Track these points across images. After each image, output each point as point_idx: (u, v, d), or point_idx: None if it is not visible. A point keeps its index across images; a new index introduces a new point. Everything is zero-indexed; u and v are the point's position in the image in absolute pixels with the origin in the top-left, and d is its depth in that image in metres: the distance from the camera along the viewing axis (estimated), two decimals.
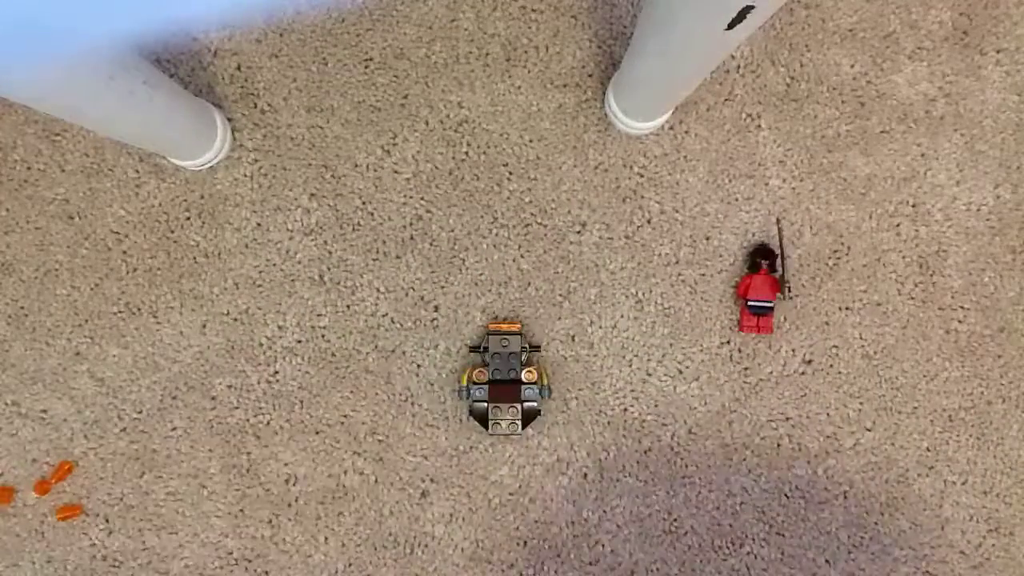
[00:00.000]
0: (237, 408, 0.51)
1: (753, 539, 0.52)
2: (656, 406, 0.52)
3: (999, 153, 0.54)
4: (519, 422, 0.49)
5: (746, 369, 0.52)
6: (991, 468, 0.53)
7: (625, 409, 0.52)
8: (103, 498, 0.51)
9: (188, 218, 0.52)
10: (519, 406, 0.49)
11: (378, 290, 0.52)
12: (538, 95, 0.53)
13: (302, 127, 0.52)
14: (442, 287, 0.52)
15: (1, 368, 0.51)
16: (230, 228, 0.52)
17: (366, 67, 0.53)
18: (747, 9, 0.30)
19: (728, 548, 0.52)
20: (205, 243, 0.52)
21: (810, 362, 0.53)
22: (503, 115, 0.53)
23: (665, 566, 0.51)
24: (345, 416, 0.51)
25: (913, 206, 0.53)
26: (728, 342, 0.52)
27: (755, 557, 0.52)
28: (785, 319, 0.52)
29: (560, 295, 0.52)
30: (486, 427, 0.50)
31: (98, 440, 0.51)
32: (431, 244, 0.52)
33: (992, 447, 0.53)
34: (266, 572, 0.51)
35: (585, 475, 0.52)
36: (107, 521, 0.51)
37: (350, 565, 0.51)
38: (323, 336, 0.52)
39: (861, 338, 0.53)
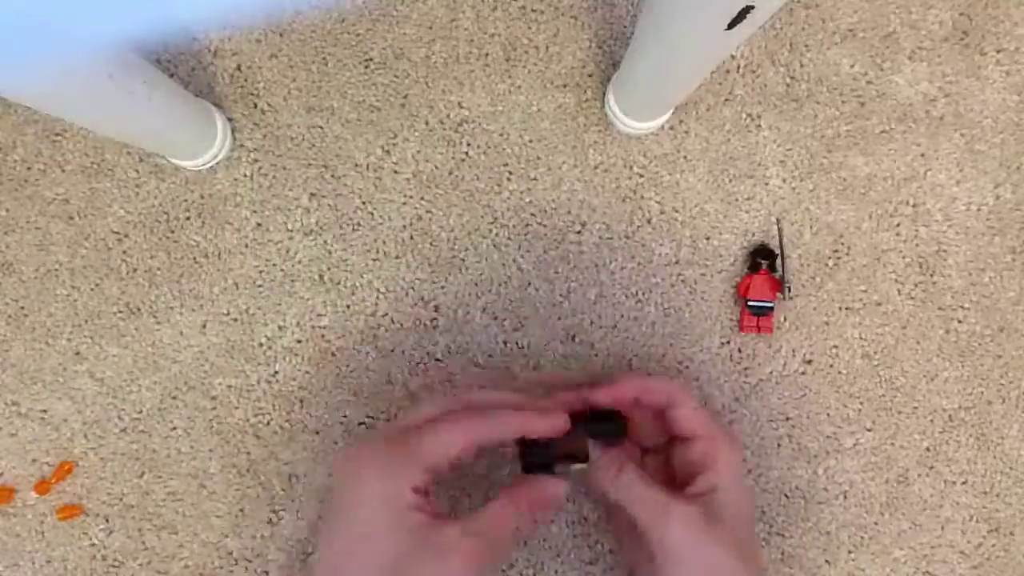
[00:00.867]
0: (237, 408, 0.51)
1: None
2: None
3: (999, 153, 0.54)
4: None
5: (746, 369, 0.52)
6: (991, 468, 0.53)
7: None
8: (103, 498, 0.51)
9: (188, 218, 0.52)
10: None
11: (378, 290, 0.52)
12: (538, 95, 0.53)
13: (302, 127, 0.52)
14: (442, 287, 0.52)
15: (1, 368, 0.51)
16: (230, 228, 0.52)
17: (366, 67, 0.53)
18: (747, 9, 0.30)
19: None
20: (205, 243, 0.52)
21: (810, 362, 0.53)
22: (503, 115, 0.53)
23: None
24: (345, 416, 0.51)
25: (913, 206, 0.53)
26: (728, 342, 0.52)
27: None
28: (785, 319, 0.52)
29: (560, 295, 0.52)
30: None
31: (98, 440, 0.51)
32: (431, 244, 0.52)
33: (992, 447, 0.53)
34: (266, 572, 0.51)
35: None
36: (107, 521, 0.51)
37: None
38: (323, 336, 0.52)
39: (861, 338, 0.53)
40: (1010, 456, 0.53)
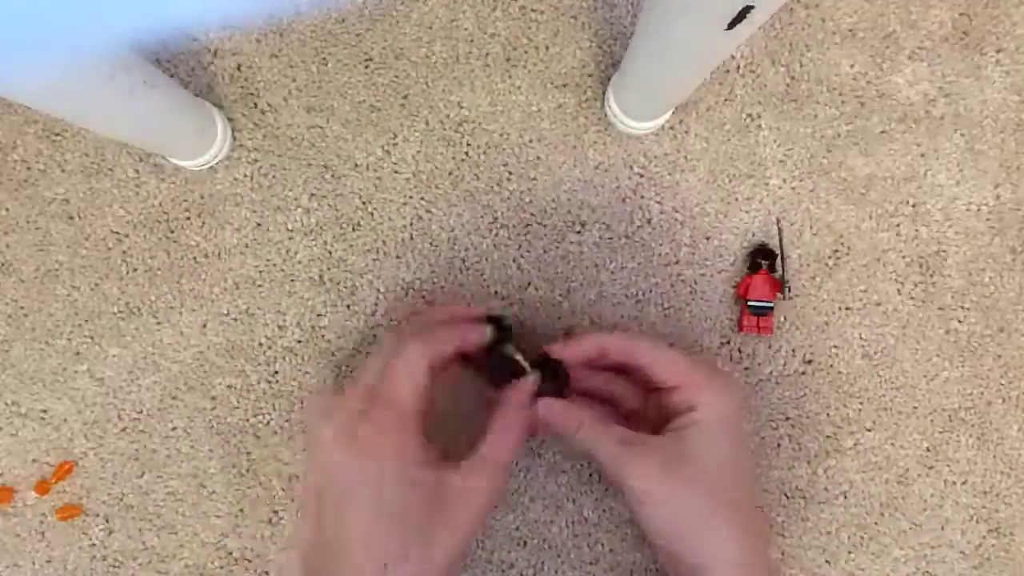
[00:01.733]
0: (237, 408, 0.51)
1: None
2: None
3: (999, 153, 0.54)
4: None
5: (746, 369, 0.52)
6: (991, 468, 0.53)
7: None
8: (103, 498, 0.51)
9: (188, 218, 0.52)
10: None
11: (378, 290, 0.52)
12: (538, 95, 0.53)
13: (302, 127, 0.52)
14: (442, 287, 0.52)
15: (1, 368, 0.51)
16: (230, 228, 0.52)
17: (366, 67, 0.53)
18: (747, 9, 0.30)
19: None
20: (205, 243, 0.52)
21: (810, 362, 0.53)
22: (503, 115, 0.53)
23: (666, 566, 0.51)
24: None
25: (913, 206, 0.53)
26: (728, 342, 0.52)
27: None
28: (785, 319, 0.52)
29: (560, 295, 0.52)
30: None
31: (98, 440, 0.51)
32: (431, 244, 0.52)
33: (992, 447, 0.53)
34: (266, 572, 0.51)
35: (587, 475, 0.52)
36: (107, 521, 0.51)
37: None
38: (323, 336, 0.52)
39: (861, 338, 0.53)
40: (1010, 456, 0.53)
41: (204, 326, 0.52)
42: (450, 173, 0.53)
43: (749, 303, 0.51)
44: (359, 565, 0.35)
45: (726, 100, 0.53)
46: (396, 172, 0.53)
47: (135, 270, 0.52)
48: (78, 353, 0.51)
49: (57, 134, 0.52)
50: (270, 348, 0.52)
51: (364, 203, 0.52)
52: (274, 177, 0.52)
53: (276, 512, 0.51)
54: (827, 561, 0.52)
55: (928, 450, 0.53)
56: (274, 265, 0.52)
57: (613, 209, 0.53)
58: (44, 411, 0.51)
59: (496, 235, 0.52)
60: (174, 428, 0.51)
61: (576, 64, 0.53)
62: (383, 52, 0.53)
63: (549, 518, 0.51)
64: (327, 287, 0.52)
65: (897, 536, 0.52)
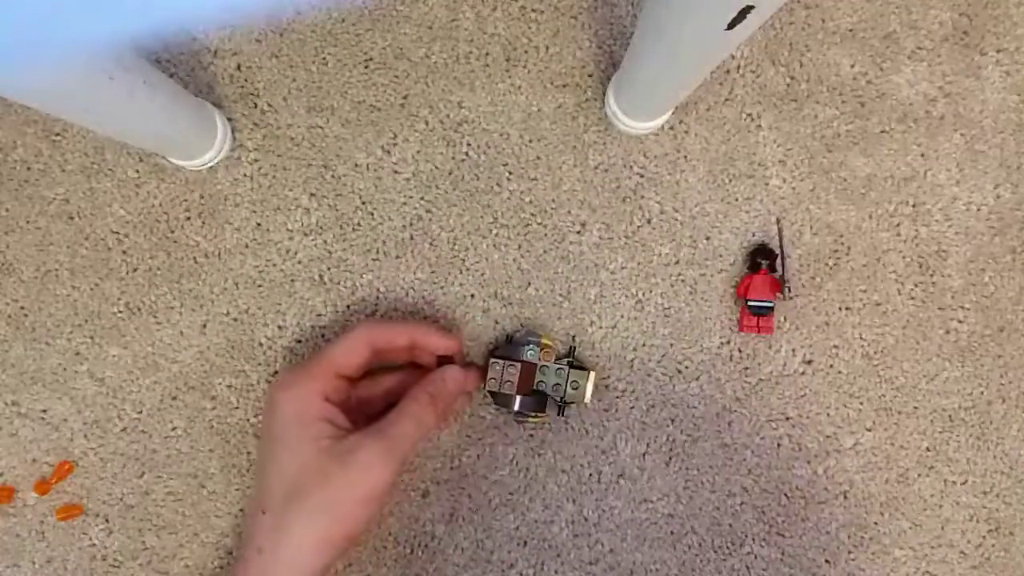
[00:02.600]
0: (237, 408, 0.51)
1: (753, 539, 0.52)
2: (655, 406, 0.52)
3: (999, 153, 0.54)
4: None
5: (746, 369, 0.52)
6: (991, 468, 0.53)
7: (629, 409, 0.52)
8: (103, 498, 0.51)
9: (188, 218, 0.52)
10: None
11: (378, 290, 0.52)
12: (538, 95, 0.53)
13: (302, 127, 0.52)
14: (442, 287, 0.52)
15: (1, 368, 0.51)
16: (230, 228, 0.52)
17: (366, 67, 0.53)
18: (747, 9, 0.30)
19: (728, 548, 0.52)
20: (205, 243, 0.52)
21: (810, 362, 0.53)
22: (503, 115, 0.53)
23: (665, 566, 0.51)
24: None
25: (913, 206, 0.53)
26: (728, 342, 0.52)
27: (755, 557, 0.52)
28: (785, 319, 0.52)
29: (560, 295, 0.52)
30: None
31: (98, 440, 0.51)
32: (431, 244, 0.52)
33: (992, 447, 0.53)
34: None
35: (587, 475, 0.52)
36: (107, 521, 0.51)
37: (350, 565, 0.51)
38: (323, 336, 0.52)
39: (861, 338, 0.53)
40: (1010, 456, 0.53)
41: (204, 326, 0.52)
42: (450, 173, 0.53)
43: (749, 303, 0.51)
44: (259, 487, 0.40)
45: (726, 100, 0.53)
46: (396, 172, 0.53)
47: (135, 270, 0.52)
48: (78, 353, 0.51)
49: (57, 134, 0.52)
50: (270, 348, 0.52)
51: (364, 203, 0.52)
52: (274, 177, 0.52)
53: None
54: (827, 561, 0.52)
55: (928, 450, 0.53)
56: (274, 265, 0.52)
57: (613, 209, 0.53)
58: (44, 411, 0.51)
59: (496, 235, 0.52)
60: (174, 428, 0.51)
61: (576, 64, 0.53)
62: (383, 52, 0.53)
63: (549, 518, 0.51)
64: (327, 287, 0.52)
65: (897, 536, 0.52)
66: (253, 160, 0.52)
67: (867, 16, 0.54)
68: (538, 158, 0.53)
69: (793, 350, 0.52)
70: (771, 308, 0.51)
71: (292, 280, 0.52)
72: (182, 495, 0.51)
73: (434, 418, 0.43)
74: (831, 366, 0.53)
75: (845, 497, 0.52)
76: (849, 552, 0.52)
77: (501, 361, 0.49)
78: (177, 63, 0.52)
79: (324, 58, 0.53)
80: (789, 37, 0.54)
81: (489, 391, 0.49)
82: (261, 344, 0.52)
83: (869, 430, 0.52)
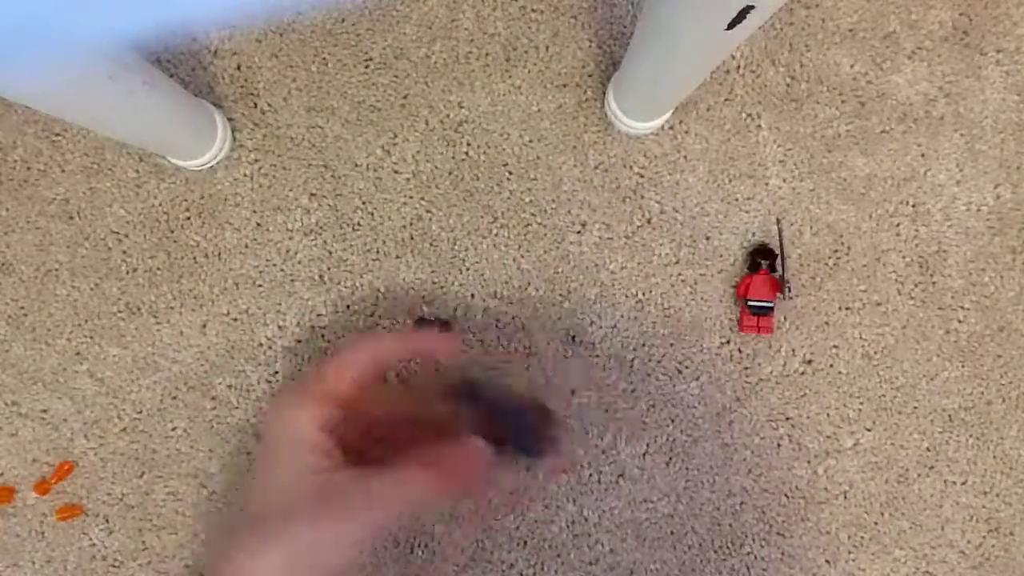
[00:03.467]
0: (237, 408, 0.51)
1: (753, 539, 0.52)
2: (656, 406, 0.52)
3: (999, 153, 0.54)
4: None
5: (746, 369, 0.52)
6: (991, 468, 0.53)
7: (628, 409, 0.52)
8: (103, 498, 0.51)
9: (188, 218, 0.52)
10: None
11: (378, 290, 0.52)
12: (538, 95, 0.53)
13: (302, 127, 0.52)
14: (442, 287, 0.52)
15: (1, 368, 0.51)
16: (230, 228, 0.52)
17: (366, 67, 0.53)
18: (747, 9, 0.30)
19: (728, 548, 0.52)
20: (205, 243, 0.52)
21: (810, 362, 0.53)
22: (503, 115, 0.53)
23: (665, 566, 0.51)
24: None
25: (913, 206, 0.53)
26: (728, 342, 0.52)
27: (755, 557, 0.52)
28: (785, 319, 0.52)
29: (560, 295, 0.52)
30: None
31: (98, 440, 0.51)
32: (431, 244, 0.52)
33: (992, 447, 0.53)
34: None
35: (587, 475, 0.52)
36: (107, 521, 0.51)
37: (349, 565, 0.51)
38: (323, 336, 0.52)
39: (861, 338, 0.53)
40: (1010, 456, 0.53)
41: (204, 326, 0.52)
42: (450, 173, 0.53)
43: (749, 303, 0.51)
44: (250, 502, 0.37)
45: (726, 100, 0.53)
46: (396, 172, 0.53)
47: (135, 270, 0.52)
48: (78, 353, 0.51)
49: (57, 134, 0.52)
50: (270, 348, 0.52)
51: (364, 203, 0.52)
52: (274, 177, 0.52)
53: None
54: (827, 561, 0.52)
55: (928, 450, 0.53)
56: (274, 265, 0.52)
57: (613, 209, 0.53)
58: (44, 411, 0.51)
59: (496, 235, 0.52)
60: (174, 428, 0.51)
61: (576, 64, 0.53)
62: (383, 52, 0.53)
63: (549, 518, 0.51)
64: (327, 287, 0.52)
65: (897, 536, 0.52)
66: (253, 160, 0.52)
67: (867, 16, 0.54)
68: (538, 158, 0.53)
69: (793, 350, 0.52)
70: (771, 308, 0.51)
71: (292, 280, 0.52)
72: (182, 495, 0.51)
73: (438, 494, 0.39)
74: (831, 366, 0.53)
75: (845, 497, 0.52)
76: (849, 552, 0.52)
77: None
78: (177, 63, 0.52)
79: (324, 58, 0.53)
80: (789, 37, 0.54)
81: None
82: (261, 344, 0.52)
83: (869, 430, 0.52)
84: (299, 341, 0.52)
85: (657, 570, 0.51)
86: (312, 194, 0.52)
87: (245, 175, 0.52)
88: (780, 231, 0.53)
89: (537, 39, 0.53)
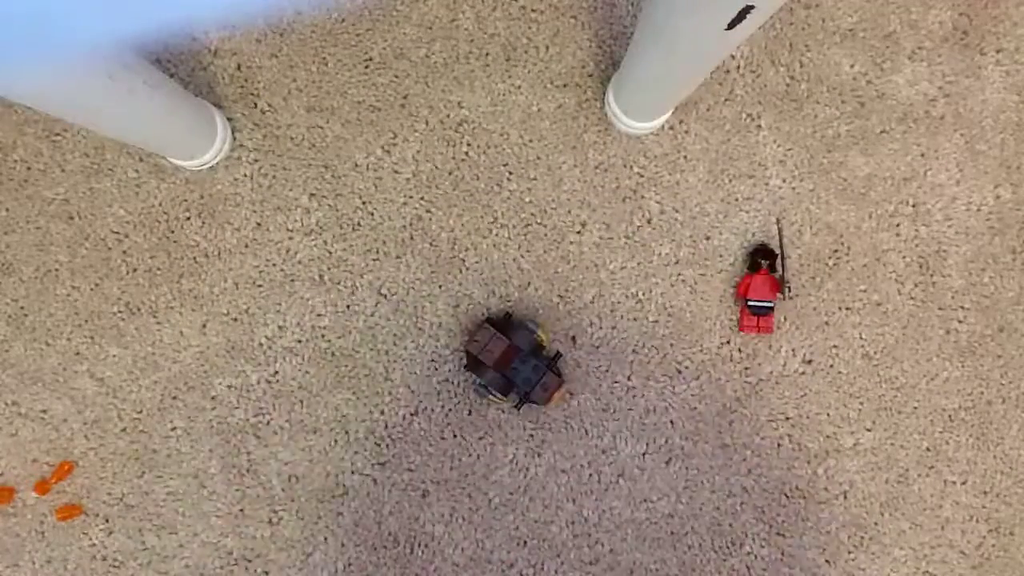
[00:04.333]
0: (237, 408, 0.51)
1: (753, 539, 0.52)
2: (656, 406, 0.52)
3: (999, 153, 0.54)
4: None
5: (746, 369, 0.52)
6: (991, 468, 0.53)
7: (628, 409, 0.52)
8: (103, 498, 0.51)
9: (188, 218, 0.52)
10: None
11: (378, 290, 0.52)
12: (538, 95, 0.53)
13: (302, 127, 0.52)
14: (442, 287, 0.52)
15: (1, 368, 0.51)
16: (230, 228, 0.52)
17: (366, 67, 0.53)
18: (747, 9, 0.30)
19: (728, 548, 0.52)
20: (205, 243, 0.52)
21: (810, 362, 0.53)
22: (503, 115, 0.53)
23: (665, 566, 0.51)
24: (345, 416, 0.51)
25: (913, 206, 0.53)
26: (728, 342, 0.52)
27: (755, 557, 0.52)
28: (785, 319, 0.52)
29: (560, 295, 0.52)
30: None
31: (98, 440, 0.51)
32: (431, 244, 0.52)
33: (992, 447, 0.53)
34: (266, 572, 0.51)
35: (587, 475, 0.52)
36: (107, 521, 0.51)
37: (350, 565, 0.51)
38: (323, 336, 0.52)
39: (861, 338, 0.53)
40: (1010, 456, 0.53)
41: (204, 326, 0.52)
42: (450, 173, 0.53)
43: (749, 303, 0.51)
44: None
45: (726, 100, 0.53)
46: (396, 172, 0.53)
47: (135, 270, 0.52)
48: (78, 353, 0.51)
49: (57, 134, 0.52)
50: (270, 348, 0.52)
51: (364, 203, 0.52)
52: (274, 177, 0.52)
53: (276, 512, 0.51)
54: (827, 561, 0.52)
55: (928, 450, 0.53)
56: (274, 265, 0.52)
57: (613, 209, 0.53)
58: (44, 411, 0.51)
59: (496, 235, 0.52)
60: (174, 428, 0.51)
61: (576, 64, 0.53)
62: (383, 52, 0.53)
63: (549, 518, 0.51)
64: (327, 287, 0.52)
65: (897, 536, 0.52)
66: (253, 160, 0.52)
67: (867, 16, 0.54)
68: (538, 158, 0.53)
69: (793, 350, 0.52)
70: (771, 308, 0.51)
71: (292, 280, 0.52)
72: (182, 495, 0.51)
73: None
74: (831, 366, 0.53)
75: (845, 497, 0.52)
76: (849, 552, 0.52)
77: (492, 330, 0.48)
78: (177, 63, 0.52)
79: (324, 58, 0.53)
80: (789, 37, 0.54)
81: (467, 351, 0.49)
82: (261, 344, 0.52)
83: (869, 430, 0.52)
84: (299, 341, 0.52)
85: (657, 570, 0.51)
86: (312, 194, 0.52)
87: (245, 175, 0.52)
88: (780, 231, 0.53)
89: (537, 39, 0.53)
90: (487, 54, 0.53)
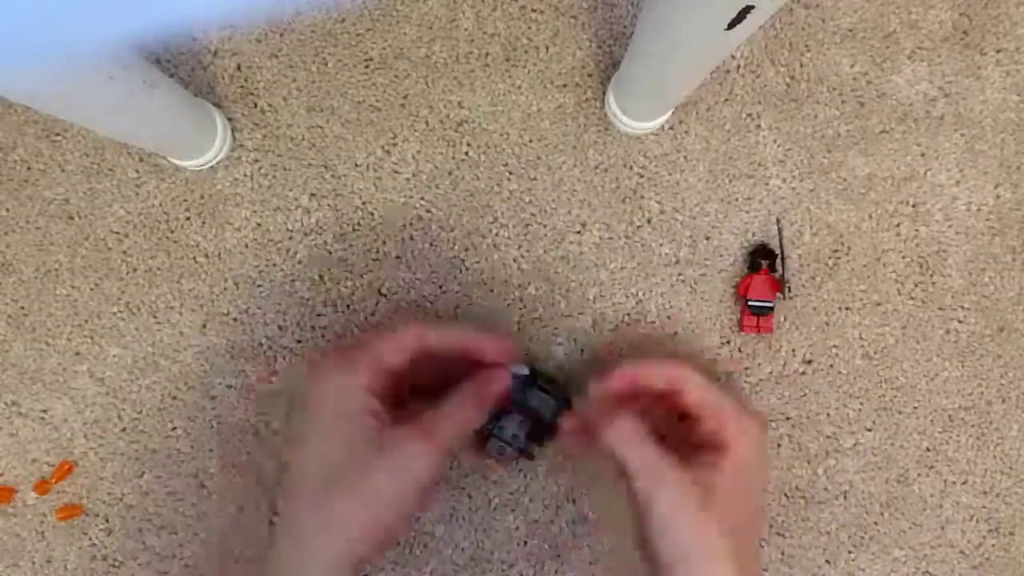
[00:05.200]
0: (237, 408, 0.51)
1: None
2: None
3: (999, 153, 0.54)
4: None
5: (746, 369, 0.52)
6: (991, 468, 0.53)
7: None
8: (103, 498, 0.51)
9: (188, 218, 0.52)
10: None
11: (378, 290, 0.52)
12: (538, 95, 0.53)
13: (302, 127, 0.52)
14: (442, 287, 0.52)
15: (1, 368, 0.51)
16: (230, 228, 0.52)
17: (366, 67, 0.53)
18: (747, 9, 0.30)
19: None
20: (205, 243, 0.52)
21: (810, 362, 0.53)
22: (503, 115, 0.53)
23: None
24: None
25: (913, 206, 0.53)
26: (728, 342, 0.52)
27: None
28: (785, 319, 0.52)
29: (560, 295, 0.52)
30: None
31: (98, 440, 0.51)
32: (431, 244, 0.52)
33: (992, 447, 0.53)
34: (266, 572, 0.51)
35: (587, 475, 0.52)
36: (107, 521, 0.51)
37: None
38: (323, 336, 0.52)
39: (861, 338, 0.53)
40: (1010, 456, 0.53)
41: (204, 326, 0.52)
42: (450, 173, 0.53)
43: (749, 303, 0.51)
44: (310, 467, 0.38)
45: (726, 100, 0.53)
46: (396, 172, 0.53)
47: (135, 270, 0.52)
48: (78, 353, 0.51)
49: (57, 134, 0.52)
50: (270, 348, 0.52)
51: (364, 203, 0.52)
52: (274, 177, 0.52)
53: (276, 512, 0.51)
54: (827, 561, 0.52)
55: (928, 450, 0.53)
56: (274, 265, 0.52)
57: (613, 209, 0.53)
58: (44, 411, 0.51)
59: (496, 235, 0.52)
60: (174, 428, 0.51)
61: (576, 64, 0.53)
62: (383, 52, 0.53)
63: (549, 518, 0.51)
64: (327, 287, 0.52)
65: (897, 536, 0.52)
66: (253, 160, 0.52)
67: (867, 16, 0.54)
68: (538, 158, 0.53)
69: (793, 350, 0.52)
70: (771, 308, 0.51)
71: (292, 280, 0.52)
72: (182, 495, 0.51)
73: (477, 417, 0.42)
74: (831, 366, 0.53)
75: (845, 497, 0.52)
76: (849, 552, 0.52)
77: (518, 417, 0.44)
78: (177, 63, 0.52)
79: (324, 58, 0.53)
80: (789, 37, 0.54)
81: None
82: (261, 344, 0.52)
83: (869, 430, 0.52)
84: (299, 341, 0.52)
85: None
86: (312, 194, 0.52)
87: (245, 175, 0.52)
88: (780, 231, 0.53)
89: (537, 39, 0.53)
90: (487, 54, 0.53)
